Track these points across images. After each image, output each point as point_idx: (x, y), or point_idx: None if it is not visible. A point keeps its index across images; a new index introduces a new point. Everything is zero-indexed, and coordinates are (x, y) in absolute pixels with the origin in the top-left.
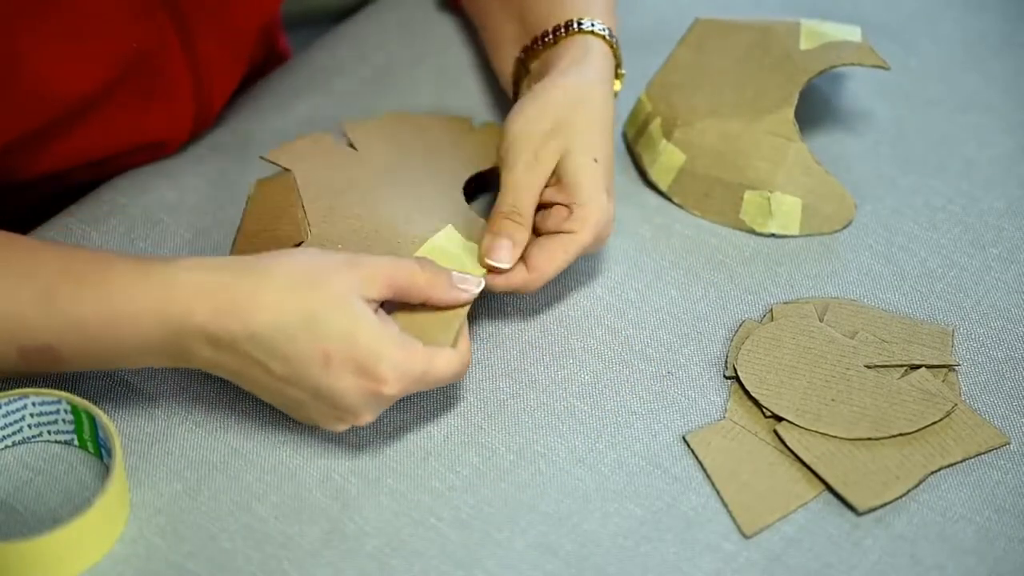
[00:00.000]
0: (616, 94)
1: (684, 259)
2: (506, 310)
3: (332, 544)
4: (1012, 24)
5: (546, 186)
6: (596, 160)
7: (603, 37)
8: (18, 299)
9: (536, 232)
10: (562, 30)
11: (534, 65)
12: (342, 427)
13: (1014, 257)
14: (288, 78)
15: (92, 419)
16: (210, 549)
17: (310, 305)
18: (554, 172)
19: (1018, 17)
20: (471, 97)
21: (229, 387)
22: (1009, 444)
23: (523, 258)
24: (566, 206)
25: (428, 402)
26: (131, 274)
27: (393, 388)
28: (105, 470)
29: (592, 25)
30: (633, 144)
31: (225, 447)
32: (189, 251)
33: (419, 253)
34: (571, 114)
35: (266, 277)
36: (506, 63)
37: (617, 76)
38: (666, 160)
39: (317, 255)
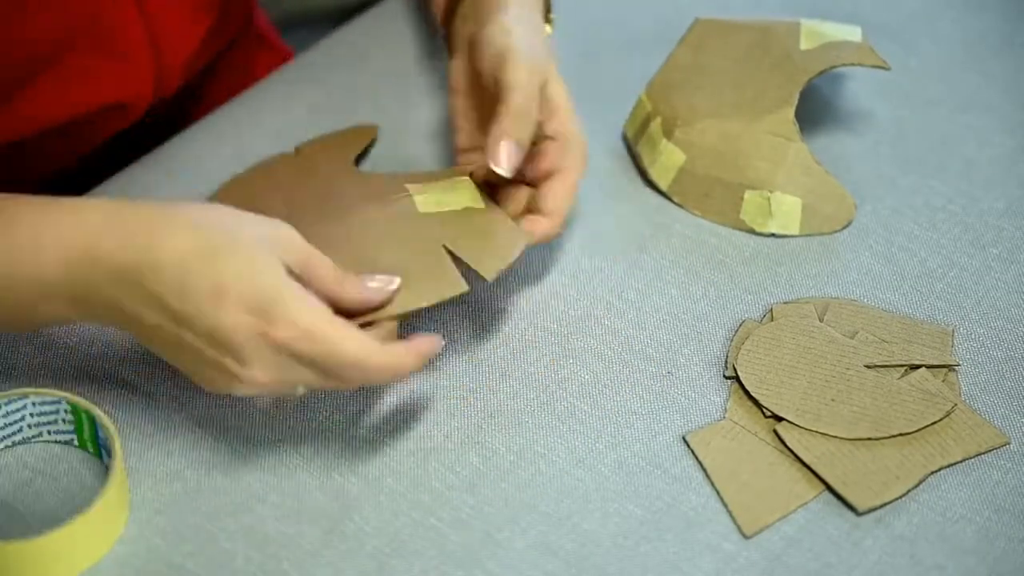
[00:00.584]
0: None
1: (684, 259)
2: (506, 310)
3: (332, 544)
4: (1012, 24)
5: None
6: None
7: None
8: None
9: (527, 180)
10: None
11: (464, 6)
12: (238, 386)
13: (1014, 257)
14: (287, 80)
15: (92, 419)
16: (210, 549)
17: (216, 241)
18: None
19: (1018, 17)
20: None
21: None
22: (1009, 444)
23: (536, 209)
24: (552, 139)
25: (428, 402)
26: (42, 207)
27: (283, 332)
28: (105, 470)
29: None
30: (633, 144)
31: (225, 447)
32: None
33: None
34: (535, 38)
35: (178, 215)
36: (437, 5)
37: (547, 20)
38: (666, 160)
39: (245, 213)
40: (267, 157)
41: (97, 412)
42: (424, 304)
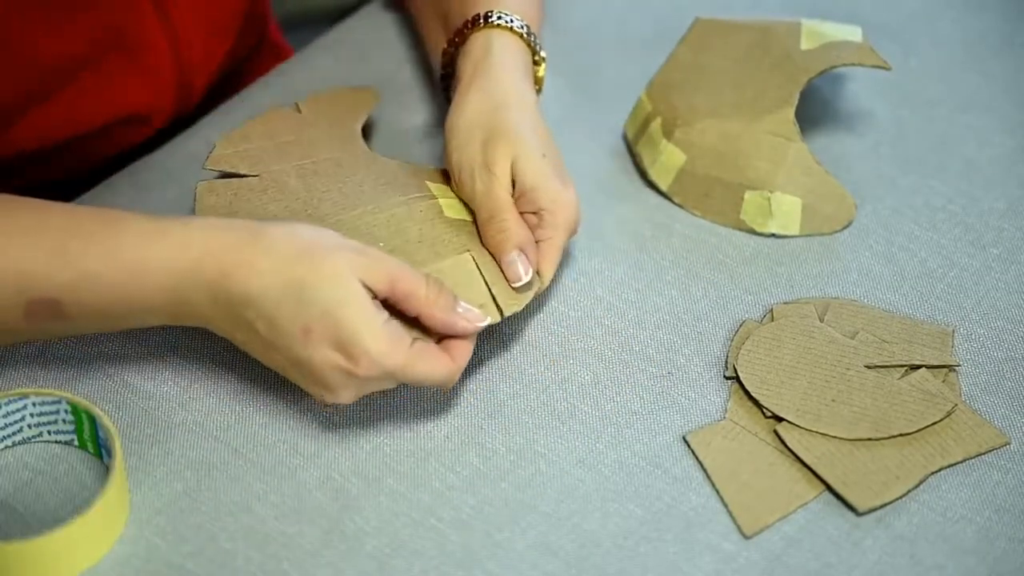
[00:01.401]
0: (540, 81)
1: (684, 259)
2: None
3: (332, 544)
4: (1012, 24)
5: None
6: (544, 155)
7: (509, 28)
8: (29, 254)
9: None
10: (468, 26)
11: (450, 70)
12: (325, 398)
13: (1014, 257)
14: (286, 78)
15: (92, 419)
16: (210, 549)
17: (302, 275)
18: (513, 185)
19: (1018, 17)
20: None
21: (229, 388)
22: (1009, 444)
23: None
24: (533, 213)
25: (428, 402)
26: (145, 232)
27: (365, 371)
28: (105, 470)
29: (499, 17)
30: (633, 144)
31: (225, 447)
32: None
33: (440, 267)
34: (498, 120)
35: (271, 243)
36: (436, 70)
37: (536, 63)
38: (666, 160)
39: (330, 235)
40: (266, 111)
41: (97, 412)
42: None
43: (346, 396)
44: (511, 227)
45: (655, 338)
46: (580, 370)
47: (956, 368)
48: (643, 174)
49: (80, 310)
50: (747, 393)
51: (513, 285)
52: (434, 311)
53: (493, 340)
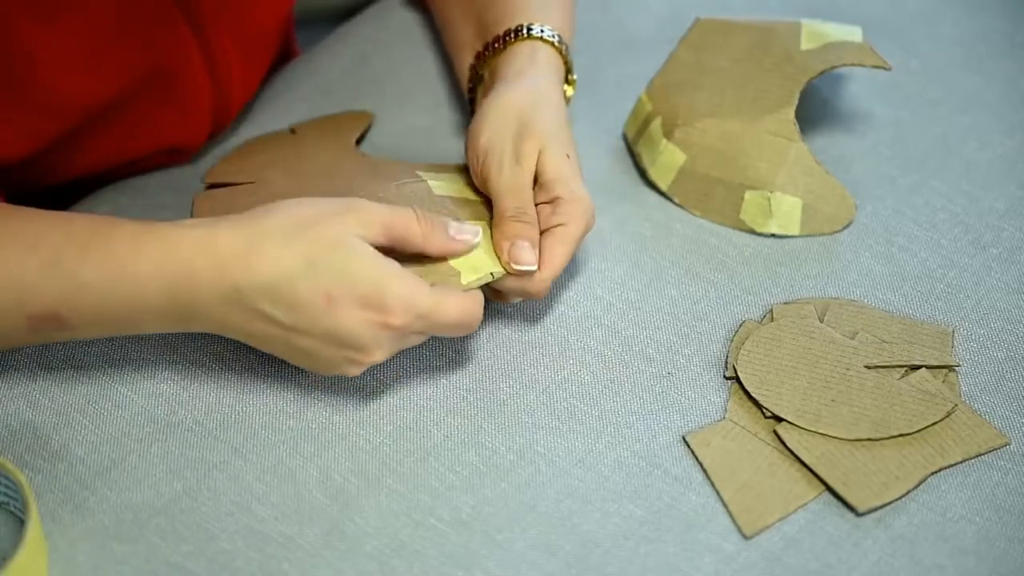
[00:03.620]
0: (569, 99)
1: (684, 259)
2: (506, 311)
3: (332, 544)
4: (1012, 24)
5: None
6: (568, 156)
7: (551, 43)
8: (23, 267)
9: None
10: (512, 35)
11: (485, 72)
12: (356, 370)
13: (1014, 258)
14: (290, 79)
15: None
16: (210, 549)
17: (307, 250)
18: (536, 177)
19: (1018, 17)
20: None
21: (229, 387)
22: (1009, 445)
23: None
24: (548, 203)
25: (427, 402)
26: (134, 236)
27: (400, 319)
28: (20, 524)
29: (541, 31)
30: (633, 144)
31: (225, 447)
32: None
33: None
34: (533, 116)
35: (264, 228)
36: (463, 68)
37: (568, 82)
38: (666, 160)
39: (313, 203)
40: (259, 135)
41: (10, 468)
42: (496, 275)
43: (381, 354)
44: (532, 221)
45: (655, 338)
46: (580, 370)
47: (956, 368)
48: (643, 174)
49: (82, 320)
50: (747, 393)
51: (515, 267)
52: (432, 244)
53: (493, 340)
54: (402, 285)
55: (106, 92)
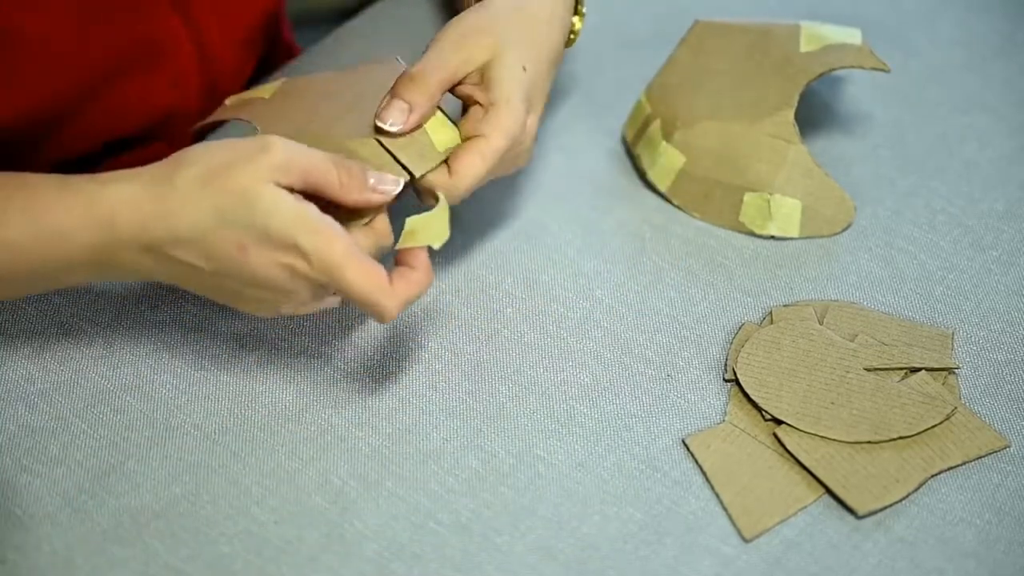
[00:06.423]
0: (577, 33)
1: (683, 261)
2: (505, 312)
3: (331, 548)
4: (1012, 24)
5: (472, 83)
6: (524, 69)
7: None
8: None
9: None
10: None
11: None
12: (290, 310)
13: (1014, 260)
14: (289, 77)
15: None
16: (209, 553)
17: (218, 201)
18: (482, 74)
19: (1018, 17)
20: None
21: (227, 391)
22: (1009, 447)
23: (447, 163)
24: (482, 106)
25: (427, 405)
26: (55, 193)
27: (309, 268)
28: None
29: None
30: (632, 145)
31: (224, 451)
32: None
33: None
34: (510, 17)
35: (177, 181)
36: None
37: (577, 12)
38: (666, 162)
39: (225, 146)
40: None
41: None
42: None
43: (306, 297)
44: (427, 92)
45: (654, 340)
46: (579, 373)
47: (956, 371)
48: (642, 176)
49: (4, 276)
50: (746, 396)
51: (380, 123)
52: (349, 195)
53: (492, 342)
54: (311, 224)
55: (95, 67)
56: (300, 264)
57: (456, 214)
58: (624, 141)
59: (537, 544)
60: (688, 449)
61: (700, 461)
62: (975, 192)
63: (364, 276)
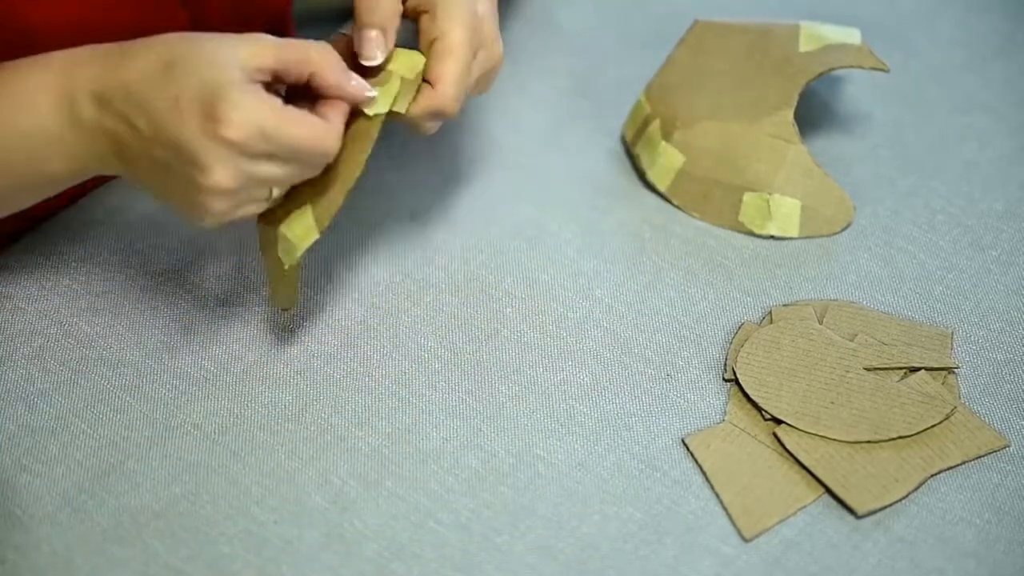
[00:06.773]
0: None
1: (683, 261)
2: (505, 312)
3: (331, 548)
4: (1012, 24)
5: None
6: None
7: None
8: None
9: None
10: None
11: None
12: (197, 197)
13: (1013, 259)
14: None
15: None
16: (209, 553)
17: (174, 55)
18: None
19: (1018, 17)
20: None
21: (227, 390)
22: (1009, 447)
23: (426, 80)
24: (431, 12)
25: (426, 405)
26: (18, 68)
27: (236, 131)
28: None
29: None
30: (632, 145)
31: (223, 450)
32: (190, 248)
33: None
34: None
35: (146, 43)
36: None
37: None
38: (665, 161)
39: (214, 35)
40: None
41: None
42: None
43: (223, 174)
44: (383, 4)
45: (654, 340)
46: (579, 372)
47: (955, 370)
48: (642, 175)
49: None
50: (746, 395)
51: (364, 62)
52: (325, 71)
53: (491, 342)
54: (245, 96)
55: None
56: (222, 130)
57: (456, 214)
58: (624, 141)
59: (537, 544)
60: (688, 449)
61: (700, 461)
62: (975, 192)
63: (306, 124)
